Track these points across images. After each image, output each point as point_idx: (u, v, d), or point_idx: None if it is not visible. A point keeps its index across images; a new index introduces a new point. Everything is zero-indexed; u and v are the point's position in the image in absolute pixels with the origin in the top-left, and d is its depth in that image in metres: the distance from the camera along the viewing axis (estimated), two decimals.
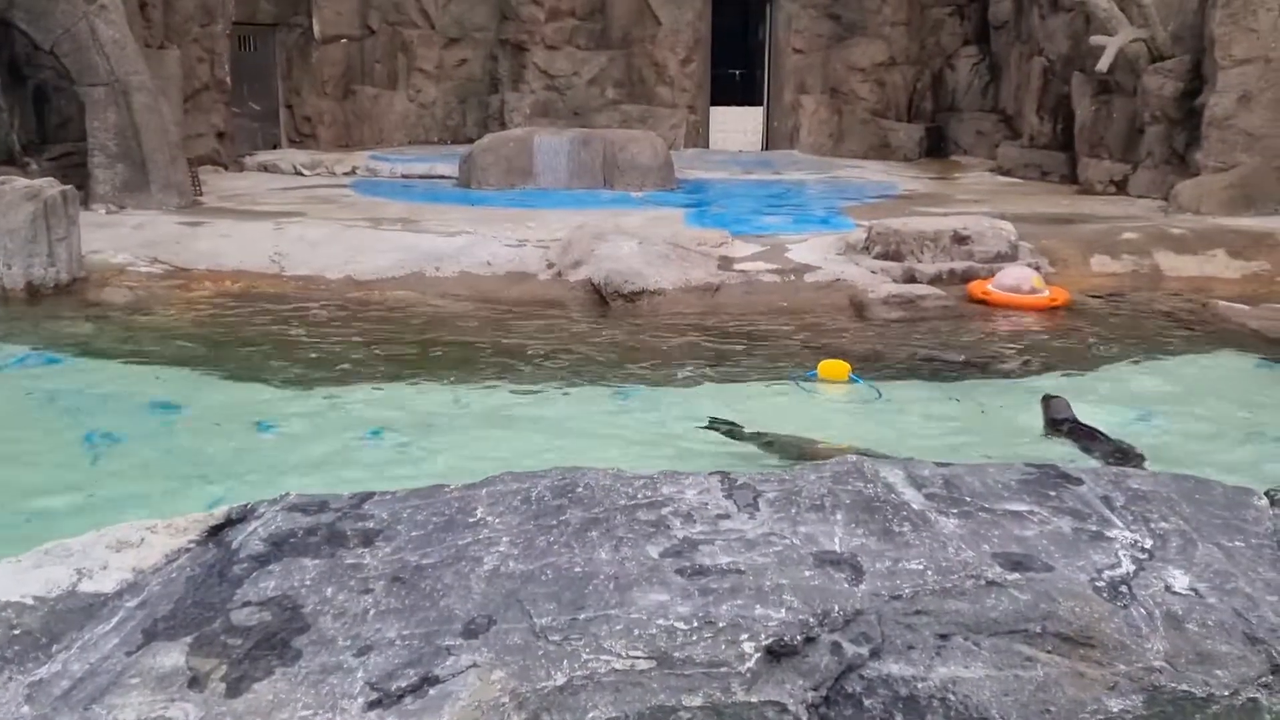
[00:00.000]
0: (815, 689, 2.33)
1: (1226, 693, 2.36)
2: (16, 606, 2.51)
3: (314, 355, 8.52)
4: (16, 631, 2.42)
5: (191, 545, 2.93)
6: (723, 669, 2.31)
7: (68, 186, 10.58)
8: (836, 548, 2.78)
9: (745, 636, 2.37)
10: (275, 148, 19.98)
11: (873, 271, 10.86)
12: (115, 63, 13.35)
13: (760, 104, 22.61)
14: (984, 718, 2.31)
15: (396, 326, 9.44)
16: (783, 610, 2.45)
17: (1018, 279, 10.21)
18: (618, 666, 2.29)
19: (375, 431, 6.77)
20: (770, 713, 2.28)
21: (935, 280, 10.67)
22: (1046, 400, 6.95)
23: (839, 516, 2.95)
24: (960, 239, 11.13)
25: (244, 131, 19.08)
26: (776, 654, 2.36)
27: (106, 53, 13.28)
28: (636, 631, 2.37)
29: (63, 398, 7.37)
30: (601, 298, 10.22)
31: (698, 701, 2.26)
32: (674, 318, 9.73)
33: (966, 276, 10.75)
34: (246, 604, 2.58)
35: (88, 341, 8.86)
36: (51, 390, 7.54)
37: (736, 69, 22.95)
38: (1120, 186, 15.63)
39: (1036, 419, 6.84)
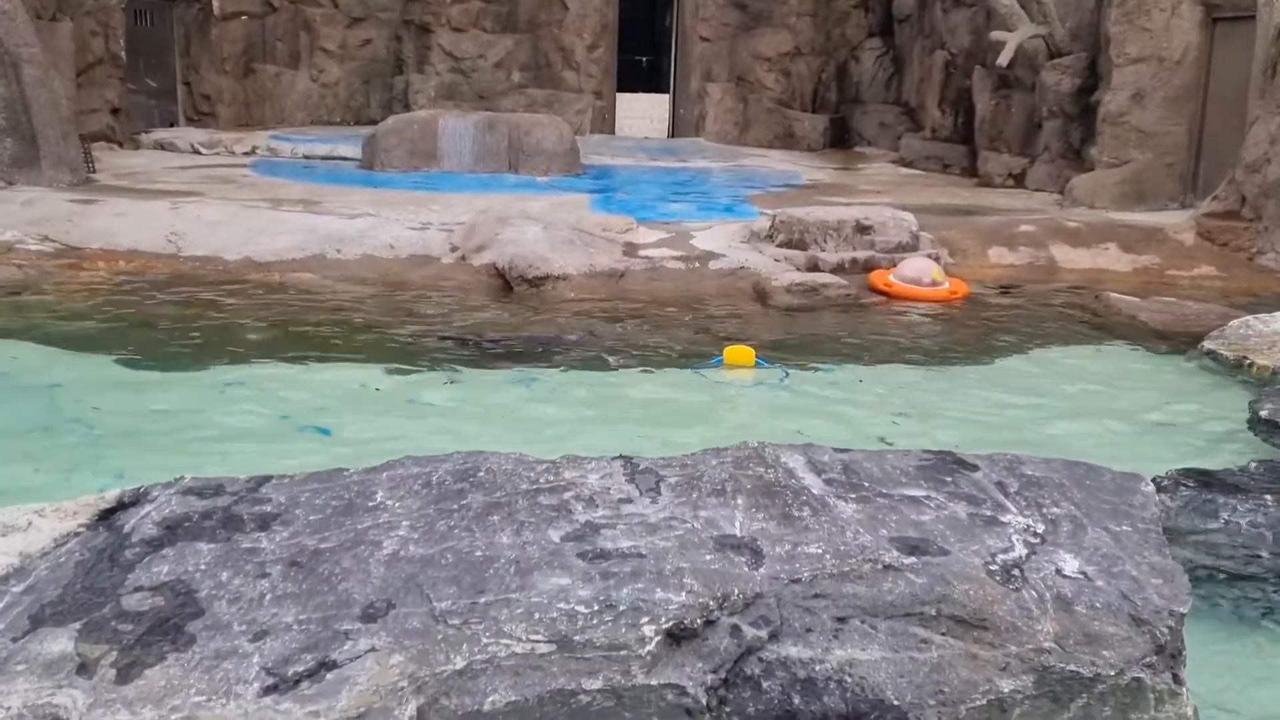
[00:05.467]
0: (714, 671, 2.35)
1: (1113, 673, 2.43)
2: None
3: (210, 337, 8.36)
4: None
5: (81, 529, 2.87)
6: (623, 652, 2.31)
7: None
8: (737, 532, 2.80)
9: (645, 620, 2.38)
10: (172, 125, 19.52)
11: (776, 260, 10.94)
12: (4, 34, 12.93)
13: (667, 91, 22.64)
14: (880, 699, 2.35)
15: (296, 309, 9.30)
16: (683, 594, 2.46)
17: (919, 271, 10.36)
18: (518, 650, 2.29)
19: (275, 415, 6.67)
20: (670, 695, 2.29)
21: (838, 269, 10.79)
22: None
23: (740, 501, 2.98)
24: (863, 229, 11.26)
25: (140, 108, 18.61)
26: (676, 637, 2.37)
27: None
28: (537, 615, 2.36)
29: None
30: (505, 282, 10.16)
31: (597, 685, 2.26)
32: (578, 303, 9.71)
33: (869, 266, 10.88)
34: (138, 589, 2.53)
35: None
36: None
37: (643, 56, 22.96)
38: (1018, 180, 15.94)
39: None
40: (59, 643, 2.30)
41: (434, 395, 7.21)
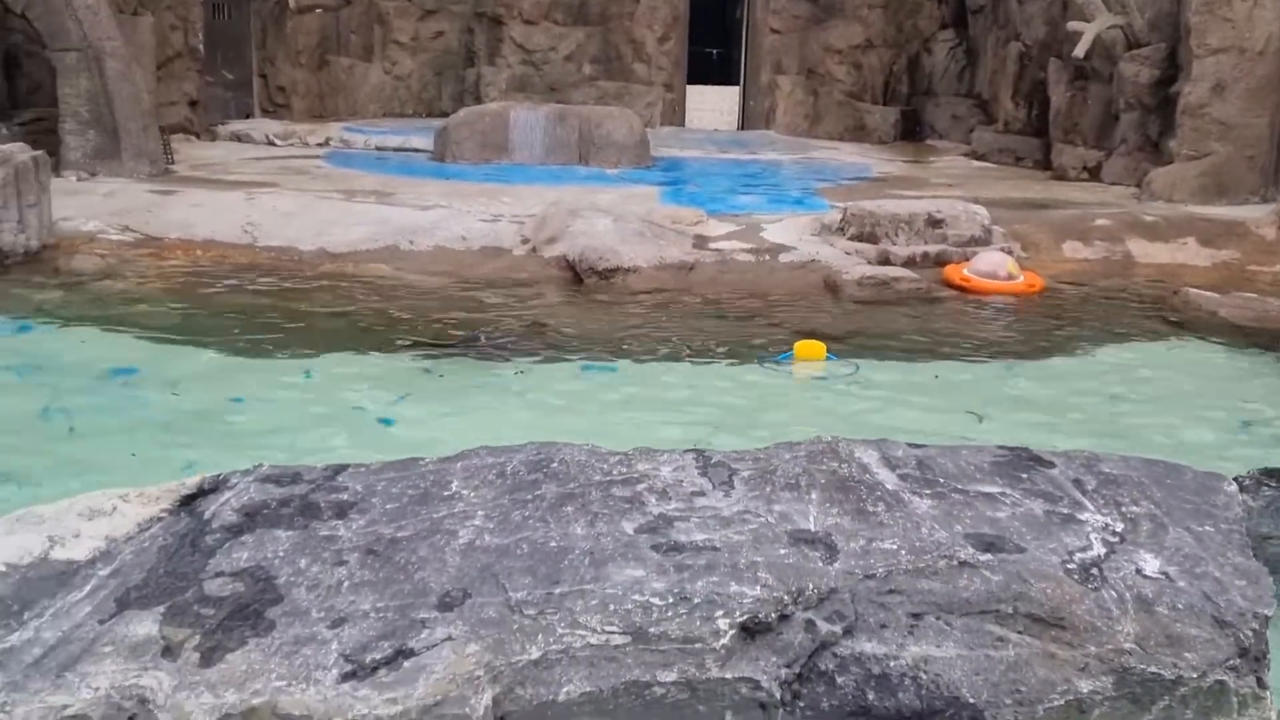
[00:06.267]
0: (789, 666, 2.34)
1: (1195, 675, 2.39)
2: None
3: (286, 326, 8.48)
4: None
5: (164, 514, 2.91)
6: (697, 645, 2.31)
7: (39, 152, 10.46)
8: (811, 526, 2.79)
9: (720, 613, 2.37)
10: (248, 117, 19.79)
11: (847, 253, 10.87)
12: (88, 28, 13.19)
13: (737, 84, 22.56)
14: (955, 696, 2.33)
15: (370, 299, 9.39)
16: (757, 588, 2.46)
17: (994, 264, 10.25)
18: (593, 641, 2.29)
19: (346, 403, 6.75)
20: (744, 689, 2.28)
21: (909, 262, 10.70)
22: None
23: (814, 496, 2.96)
24: (934, 222, 11.17)
25: (217, 100, 18.89)
26: (751, 631, 2.37)
27: (79, 18, 13.12)
28: (612, 606, 2.37)
29: (32, 365, 7.31)
30: (576, 274, 10.19)
31: (672, 677, 2.26)
32: (648, 295, 9.72)
33: (940, 259, 10.79)
34: (219, 574, 2.56)
35: (57, 309, 8.78)
36: (21, 357, 7.48)
37: (714, 48, 22.88)
38: (1093, 173, 15.69)
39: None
40: (144, 625, 2.34)
41: (502, 384, 7.25)
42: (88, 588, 2.52)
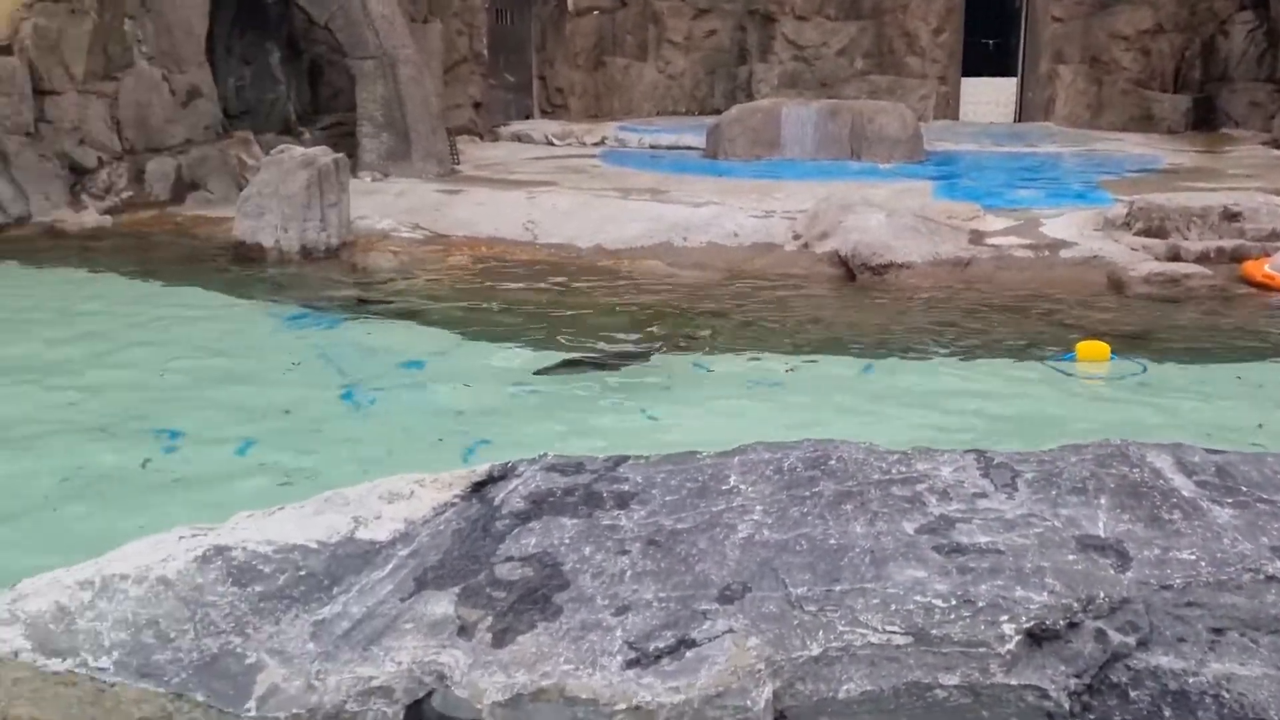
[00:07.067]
0: (1078, 676, 2.26)
1: None
2: (302, 549, 2.67)
3: (567, 320, 8.72)
4: (302, 573, 2.58)
5: (456, 500, 3.05)
6: (981, 649, 2.26)
7: (339, 155, 11.13)
8: (1100, 532, 2.69)
9: (1005, 618, 2.31)
10: (528, 118, 20.48)
11: (1133, 249, 10.39)
12: (384, 37, 13.94)
13: (1013, 75, 21.84)
14: (1262, 718, 2.20)
15: (647, 295, 9.57)
16: (1044, 593, 2.38)
17: None
18: (873, 640, 2.28)
19: (627, 399, 6.89)
20: (1030, 697, 2.22)
21: (1201, 258, 10.13)
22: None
23: (1102, 501, 2.85)
24: (1230, 216, 10.54)
25: (499, 102, 19.62)
26: (1037, 637, 2.30)
27: (376, 27, 13.88)
28: (893, 606, 2.34)
29: (334, 355, 7.77)
30: (848, 270, 10.11)
31: (955, 680, 2.22)
32: (922, 292, 9.55)
33: (1236, 256, 10.17)
34: (509, 559, 2.66)
35: (356, 302, 9.31)
36: (324, 347, 7.96)
37: (990, 38, 22.22)
38: None
39: None
40: (441, 605, 2.46)
41: (776, 380, 7.26)
42: (389, 567, 2.66)
